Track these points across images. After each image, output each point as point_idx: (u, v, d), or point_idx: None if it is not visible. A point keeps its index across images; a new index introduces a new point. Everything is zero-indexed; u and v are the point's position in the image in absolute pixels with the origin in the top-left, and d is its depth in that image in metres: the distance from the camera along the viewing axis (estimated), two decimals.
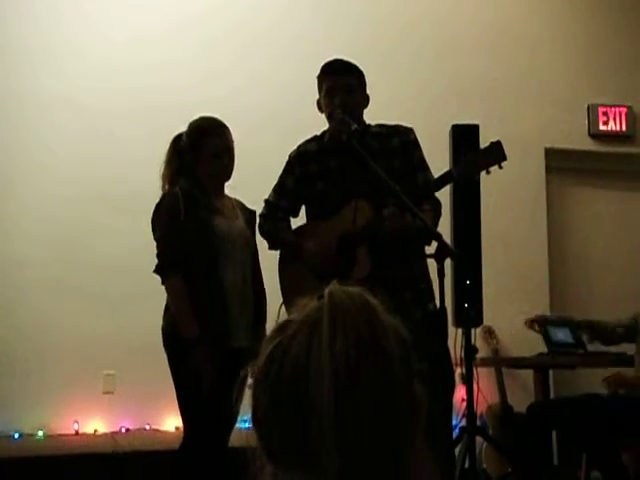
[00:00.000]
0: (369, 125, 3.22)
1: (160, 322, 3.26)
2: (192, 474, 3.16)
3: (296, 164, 3.26)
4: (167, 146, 3.42)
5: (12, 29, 5.19)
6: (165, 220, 3.22)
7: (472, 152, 3.04)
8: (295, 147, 3.30)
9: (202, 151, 3.28)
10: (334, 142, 3.09)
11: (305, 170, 3.23)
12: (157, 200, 3.30)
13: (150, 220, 3.29)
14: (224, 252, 3.23)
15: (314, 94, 3.21)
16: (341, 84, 3.11)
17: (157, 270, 3.22)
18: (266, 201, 3.34)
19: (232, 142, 3.34)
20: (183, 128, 3.40)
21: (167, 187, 3.33)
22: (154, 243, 3.25)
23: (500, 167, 2.94)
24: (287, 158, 3.30)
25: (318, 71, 3.21)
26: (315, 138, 3.25)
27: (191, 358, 3.09)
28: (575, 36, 6.02)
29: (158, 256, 3.23)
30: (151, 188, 4.78)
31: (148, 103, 5.22)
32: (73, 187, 5.08)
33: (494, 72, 5.80)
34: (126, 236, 5.00)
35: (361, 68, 3.21)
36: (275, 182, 3.35)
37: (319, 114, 3.22)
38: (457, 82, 5.69)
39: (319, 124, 3.23)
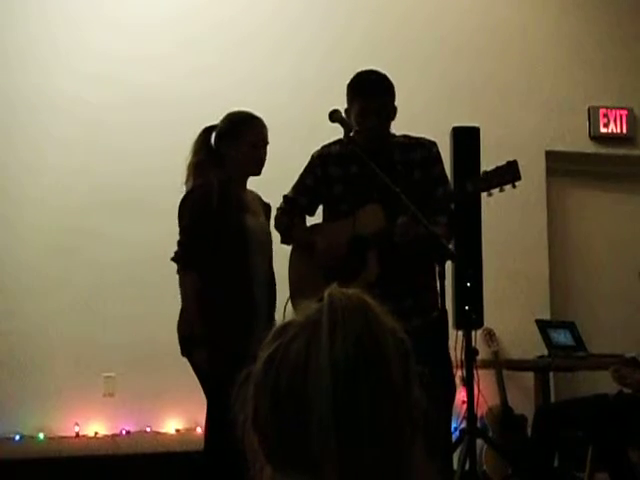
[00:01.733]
0: (394, 135, 3.23)
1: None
2: (220, 475, 3.10)
3: (318, 164, 3.27)
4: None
5: (21, 28, 5.19)
6: (195, 210, 3.16)
7: (487, 170, 3.07)
8: (319, 147, 3.31)
9: (241, 139, 3.25)
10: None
11: (325, 172, 3.24)
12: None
13: (178, 207, 3.23)
14: (254, 250, 3.21)
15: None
16: (374, 107, 3.08)
17: (175, 258, 3.17)
18: (285, 196, 3.36)
19: (268, 139, 3.32)
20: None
21: (192, 177, 3.25)
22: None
23: (514, 186, 2.98)
24: (309, 157, 3.31)
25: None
26: (339, 141, 3.24)
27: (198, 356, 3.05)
28: (576, 38, 6.02)
29: (179, 244, 3.18)
30: (149, 194, 4.81)
31: (148, 116, 5.21)
32: (72, 190, 5.08)
33: (495, 75, 5.80)
34: (125, 240, 5.00)
35: (391, 80, 3.16)
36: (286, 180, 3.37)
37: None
38: (458, 84, 5.69)
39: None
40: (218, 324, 3.09)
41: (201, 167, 3.25)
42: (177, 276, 3.21)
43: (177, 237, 3.25)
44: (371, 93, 3.09)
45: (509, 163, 2.99)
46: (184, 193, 3.25)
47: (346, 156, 3.19)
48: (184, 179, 3.29)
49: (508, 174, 2.97)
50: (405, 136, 3.24)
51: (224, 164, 3.27)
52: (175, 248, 3.22)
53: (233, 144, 3.25)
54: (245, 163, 3.27)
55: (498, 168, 3.01)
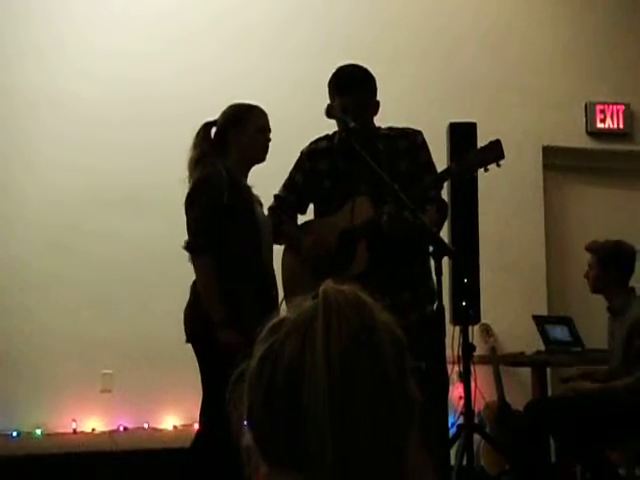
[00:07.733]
0: (378, 128, 3.25)
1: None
2: (210, 471, 3.04)
3: (306, 161, 3.29)
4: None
5: (21, 26, 5.18)
6: (207, 199, 3.12)
7: (471, 150, 3.06)
8: (307, 144, 3.33)
9: (247, 124, 3.25)
10: (340, 143, 3.13)
11: (314, 167, 3.26)
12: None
13: (186, 196, 3.17)
14: (264, 240, 3.20)
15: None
16: (353, 104, 3.10)
17: (188, 247, 3.11)
18: (275, 196, 3.38)
19: (270, 126, 3.32)
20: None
21: (196, 171, 3.19)
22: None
23: (498, 165, 2.95)
24: (299, 154, 3.33)
25: (329, 77, 3.19)
26: (327, 137, 3.28)
27: (218, 342, 2.93)
28: (573, 34, 6.02)
29: (193, 234, 3.11)
30: (149, 192, 4.78)
31: (146, 113, 5.20)
32: (70, 187, 5.07)
33: (492, 70, 5.80)
34: (123, 237, 5.00)
35: (372, 73, 3.19)
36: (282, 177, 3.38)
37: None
38: (455, 80, 5.69)
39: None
40: (239, 314, 2.97)
41: (204, 159, 3.21)
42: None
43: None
44: (350, 90, 3.11)
45: (492, 142, 2.96)
46: (191, 184, 3.18)
47: (334, 151, 3.21)
48: (187, 176, 3.22)
49: (492, 153, 2.93)
50: (389, 128, 3.25)
51: (229, 152, 3.25)
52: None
53: (239, 129, 3.25)
54: (251, 148, 3.26)
55: (482, 148, 3.00)
